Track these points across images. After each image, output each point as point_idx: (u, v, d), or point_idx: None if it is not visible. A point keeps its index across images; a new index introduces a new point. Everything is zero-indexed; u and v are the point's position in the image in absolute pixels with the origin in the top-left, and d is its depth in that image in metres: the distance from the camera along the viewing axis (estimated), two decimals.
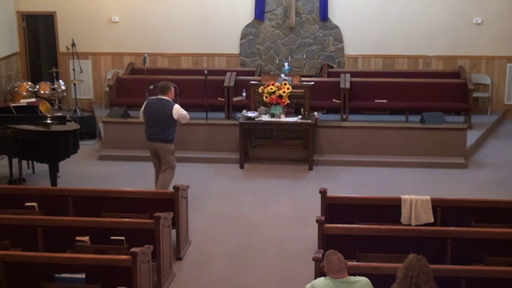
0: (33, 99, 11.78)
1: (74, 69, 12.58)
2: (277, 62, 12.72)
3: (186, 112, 8.64)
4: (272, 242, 7.81)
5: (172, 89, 8.67)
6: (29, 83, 12.50)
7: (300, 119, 10.20)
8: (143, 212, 7.00)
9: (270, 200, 9.11)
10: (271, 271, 7.11)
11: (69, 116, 10.34)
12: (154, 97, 8.74)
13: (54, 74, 12.56)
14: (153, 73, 12.15)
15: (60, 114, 10.50)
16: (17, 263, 5.77)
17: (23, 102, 11.14)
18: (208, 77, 11.12)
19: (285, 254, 7.49)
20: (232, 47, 13.01)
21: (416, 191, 7.35)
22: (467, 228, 6.43)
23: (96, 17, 13.10)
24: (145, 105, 8.66)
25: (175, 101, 8.75)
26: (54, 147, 8.88)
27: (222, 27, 12.91)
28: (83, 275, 5.68)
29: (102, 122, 11.06)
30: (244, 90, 11.66)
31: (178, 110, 8.51)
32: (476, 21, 12.44)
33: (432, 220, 6.77)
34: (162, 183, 8.54)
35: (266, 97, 10.10)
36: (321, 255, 5.55)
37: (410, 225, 6.70)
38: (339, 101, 11.61)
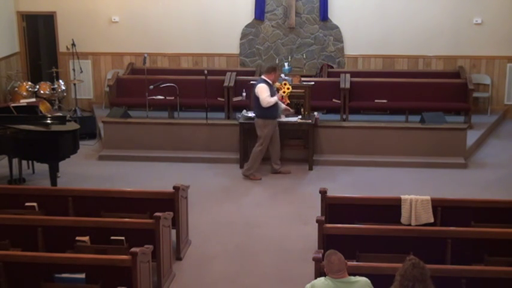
0: (33, 99, 11.77)
1: (74, 69, 12.58)
2: (277, 62, 12.70)
3: (265, 97, 9.45)
4: (272, 242, 7.80)
5: (275, 71, 9.62)
6: (29, 83, 12.50)
7: (300, 119, 10.20)
8: (143, 212, 6.99)
9: (270, 200, 9.11)
10: (271, 271, 7.11)
11: (69, 116, 10.33)
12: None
13: (54, 74, 12.55)
14: (153, 73, 12.15)
15: (60, 114, 10.50)
16: (17, 263, 5.77)
17: (23, 102, 11.13)
18: (208, 77, 11.12)
19: (285, 254, 7.49)
20: (232, 47, 13.01)
21: (416, 191, 7.33)
22: (467, 228, 6.43)
23: (96, 17, 13.09)
24: None
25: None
26: (54, 147, 8.87)
27: (222, 27, 12.91)
28: (83, 275, 5.68)
29: (102, 122, 11.06)
30: (244, 90, 11.66)
31: (257, 89, 9.52)
32: (476, 21, 12.43)
33: (432, 220, 6.77)
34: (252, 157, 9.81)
35: None
36: (321, 255, 5.55)
37: (410, 225, 6.70)
38: (339, 101, 11.61)
